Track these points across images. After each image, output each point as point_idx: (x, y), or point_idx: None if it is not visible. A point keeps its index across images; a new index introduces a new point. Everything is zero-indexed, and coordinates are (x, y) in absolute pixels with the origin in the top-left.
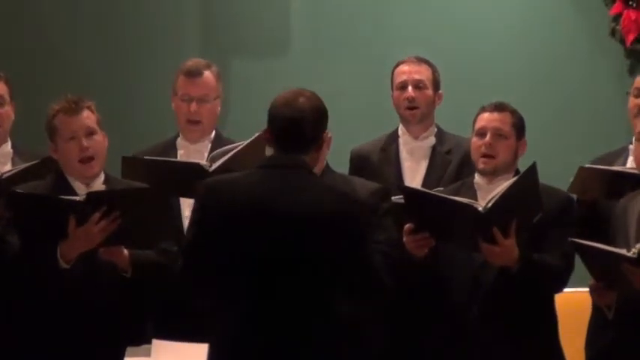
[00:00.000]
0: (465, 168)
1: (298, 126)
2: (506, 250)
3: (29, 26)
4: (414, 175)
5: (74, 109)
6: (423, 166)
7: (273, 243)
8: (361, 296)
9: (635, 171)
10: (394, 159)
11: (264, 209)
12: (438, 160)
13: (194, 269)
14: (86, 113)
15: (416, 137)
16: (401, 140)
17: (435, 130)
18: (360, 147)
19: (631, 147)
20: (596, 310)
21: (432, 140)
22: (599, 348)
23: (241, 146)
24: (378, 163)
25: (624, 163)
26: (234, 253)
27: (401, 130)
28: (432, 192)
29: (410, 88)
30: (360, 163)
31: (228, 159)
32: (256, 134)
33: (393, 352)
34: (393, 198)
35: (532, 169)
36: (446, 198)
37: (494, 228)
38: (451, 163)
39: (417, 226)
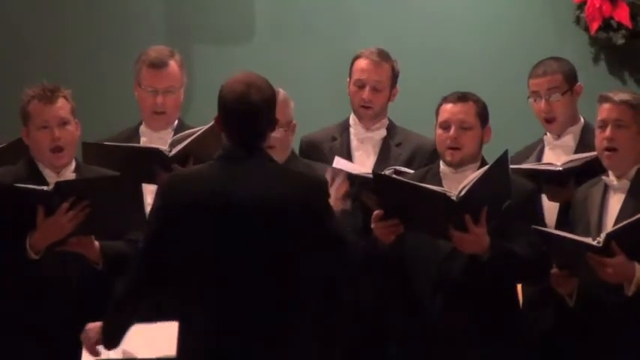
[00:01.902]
0: (414, 162)
1: (253, 121)
2: (477, 237)
3: None
4: (363, 165)
5: (49, 97)
6: (373, 156)
7: (239, 235)
8: (333, 270)
9: (549, 167)
10: (345, 148)
11: (227, 201)
12: (387, 152)
13: (151, 268)
14: (61, 102)
15: (367, 128)
16: (352, 130)
17: (387, 122)
18: (310, 135)
19: (545, 138)
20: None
21: (383, 132)
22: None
23: (200, 131)
24: (328, 151)
25: (540, 155)
26: (196, 248)
27: (352, 120)
28: (404, 179)
29: (367, 88)
30: (311, 151)
31: (188, 144)
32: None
33: (359, 341)
34: (355, 173)
35: (504, 157)
36: (419, 185)
37: (467, 215)
38: (401, 155)
39: (387, 213)
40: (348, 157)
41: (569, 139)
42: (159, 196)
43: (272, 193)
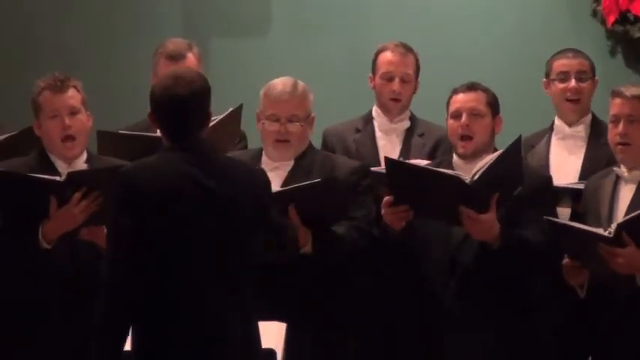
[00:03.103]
0: (437, 152)
1: (180, 114)
2: (488, 223)
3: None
4: (388, 155)
5: (59, 87)
6: (398, 146)
7: (192, 226)
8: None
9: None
10: (370, 139)
11: (178, 193)
12: (411, 142)
13: (125, 266)
14: (71, 92)
15: (390, 120)
16: (376, 122)
17: (410, 113)
18: (333, 127)
19: (555, 126)
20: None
21: (407, 123)
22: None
23: (217, 120)
24: (353, 142)
25: (548, 144)
26: (153, 240)
27: (375, 112)
28: (417, 164)
29: (397, 80)
30: (334, 143)
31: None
32: (230, 109)
33: (370, 329)
34: (372, 169)
35: (517, 143)
36: (432, 170)
37: (480, 199)
38: (424, 146)
39: (397, 199)
40: (374, 147)
41: (582, 129)
42: (117, 192)
43: (223, 183)
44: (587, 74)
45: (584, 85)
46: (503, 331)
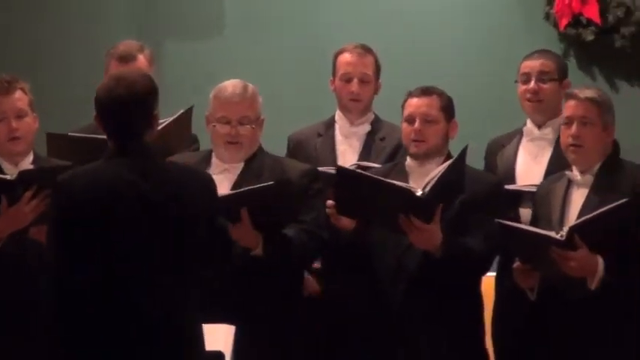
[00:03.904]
0: (397, 155)
1: (122, 116)
2: (432, 233)
3: None
4: (347, 159)
5: (6, 88)
6: (357, 150)
7: (128, 232)
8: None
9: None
10: (329, 144)
11: (118, 199)
12: (371, 146)
13: (66, 271)
14: (18, 94)
15: (352, 123)
16: (337, 125)
17: (372, 117)
18: (297, 133)
19: (525, 128)
20: (501, 294)
21: (367, 127)
22: (509, 332)
23: (167, 122)
24: (314, 148)
25: (517, 145)
26: (90, 246)
27: (338, 115)
28: (368, 174)
29: (355, 81)
30: (297, 149)
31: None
32: (181, 111)
33: (321, 332)
34: (320, 169)
35: (463, 154)
36: (384, 182)
37: (428, 211)
38: (384, 149)
39: (340, 209)
40: (333, 152)
41: (550, 132)
42: (53, 200)
43: (165, 189)
44: (549, 75)
45: (545, 86)
46: (454, 337)
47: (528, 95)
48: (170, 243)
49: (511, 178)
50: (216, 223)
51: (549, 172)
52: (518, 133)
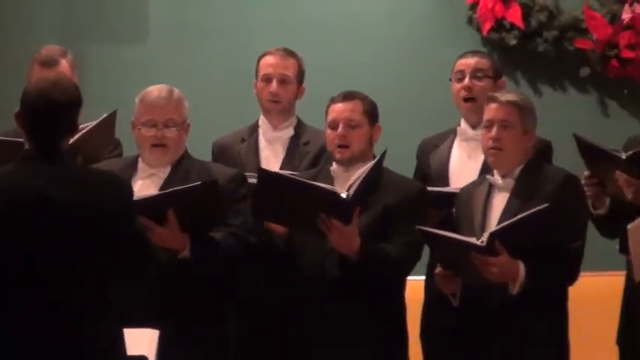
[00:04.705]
0: (321, 159)
1: (53, 119)
2: (350, 236)
3: None
4: (271, 165)
5: None
6: (281, 155)
7: (35, 237)
8: (130, 275)
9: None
10: (253, 149)
11: (32, 203)
12: (295, 151)
13: None
14: None
15: (275, 127)
16: (260, 130)
17: (295, 121)
18: (221, 138)
19: (459, 128)
20: (429, 299)
21: (291, 131)
22: (438, 332)
23: (90, 126)
24: (238, 153)
25: (450, 145)
26: (4, 254)
27: (261, 120)
28: (290, 175)
29: (275, 82)
30: (221, 155)
31: (75, 140)
32: (104, 115)
33: (249, 337)
34: (249, 180)
35: (382, 157)
36: (308, 183)
37: (351, 213)
38: (308, 154)
39: (260, 212)
40: (256, 157)
41: None
42: None
43: (77, 193)
44: (484, 72)
45: (480, 83)
46: (378, 343)
47: (463, 93)
48: (81, 247)
49: (444, 178)
50: (133, 228)
51: (483, 172)
52: (452, 133)
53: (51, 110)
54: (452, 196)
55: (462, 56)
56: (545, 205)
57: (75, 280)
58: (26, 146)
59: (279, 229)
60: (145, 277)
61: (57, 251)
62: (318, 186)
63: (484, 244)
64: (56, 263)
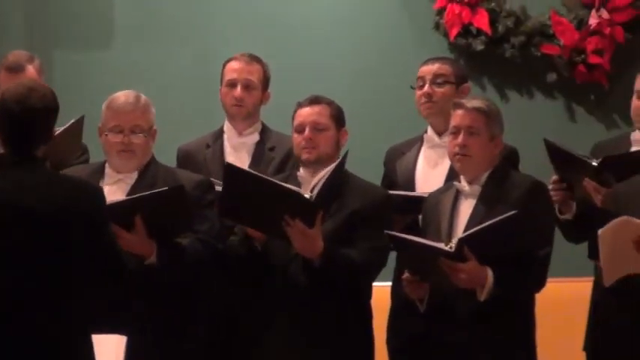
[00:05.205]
0: (287, 165)
1: (28, 125)
2: (313, 239)
3: None
4: None
5: None
6: (246, 161)
7: (13, 241)
8: (103, 282)
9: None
10: (218, 155)
11: (5, 207)
12: (260, 156)
13: None
14: None
15: (240, 133)
16: (226, 136)
17: (260, 127)
18: (186, 144)
19: (426, 135)
20: (397, 302)
21: (256, 137)
22: (404, 339)
23: (57, 132)
24: (203, 159)
25: (417, 152)
26: None
27: (226, 126)
28: (257, 173)
29: (239, 87)
30: (186, 161)
31: None
32: (72, 121)
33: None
34: (217, 188)
35: (343, 159)
36: (274, 182)
37: (314, 215)
38: (274, 159)
39: (224, 210)
40: (221, 163)
41: None
42: None
43: (50, 200)
44: (443, 77)
45: (439, 89)
46: (344, 349)
47: (423, 99)
48: (50, 254)
49: (411, 185)
50: (108, 235)
51: (449, 179)
52: (419, 141)
53: (27, 116)
54: (416, 201)
55: (424, 63)
56: (514, 211)
57: (34, 285)
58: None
59: (256, 232)
60: (120, 284)
61: (23, 258)
62: (282, 185)
63: (453, 249)
64: (19, 269)
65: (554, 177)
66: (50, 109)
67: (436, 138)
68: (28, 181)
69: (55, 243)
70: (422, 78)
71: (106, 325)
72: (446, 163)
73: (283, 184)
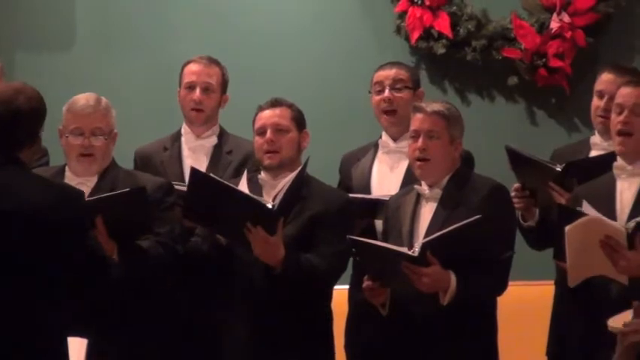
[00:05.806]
0: (244, 168)
1: (14, 126)
2: (275, 247)
3: None
4: None
5: None
6: (204, 164)
7: None
8: (85, 285)
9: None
10: (176, 157)
11: None
12: (218, 160)
13: None
14: None
15: (198, 136)
16: (183, 139)
17: (218, 130)
18: (143, 147)
19: (380, 141)
20: (354, 307)
21: (214, 140)
22: (363, 343)
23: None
24: (161, 162)
25: (372, 158)
26: None
27: (184, 129)
28: (221, 180)
29: (198, 90)
30: (144, 164)
31: None
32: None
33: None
34: (176, 187)
35: (304, 166)
36: (236, 189)
37: (276, 223)
38: (231, 163)
39: (188, 212)
40: (180, 167)
41: (405, 145)
42: None
43: (30, 202)
44: (403, 83)
45: (399, 94)
46: (304, 354)
47: (383, 105)
48: (32, 256)
49: (367, 191)
50: (90, 240)
51: (405, 184)
52: (373, 146)
53: (13, 118)
54: (374, 204)
55: (380, 68)
56: (478, 216)
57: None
58: None
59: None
60: (103, 287)
61: (6, 261)
62: (245, 194)
63: (416, 253)
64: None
65: (516, 184)
66: (36, 112)
67: (391, 143)
68: (12, 184)
69: (40, 246)
70: (380, 83)
71: (84, 328)
72: (402, 168)
73: (246, 192)
